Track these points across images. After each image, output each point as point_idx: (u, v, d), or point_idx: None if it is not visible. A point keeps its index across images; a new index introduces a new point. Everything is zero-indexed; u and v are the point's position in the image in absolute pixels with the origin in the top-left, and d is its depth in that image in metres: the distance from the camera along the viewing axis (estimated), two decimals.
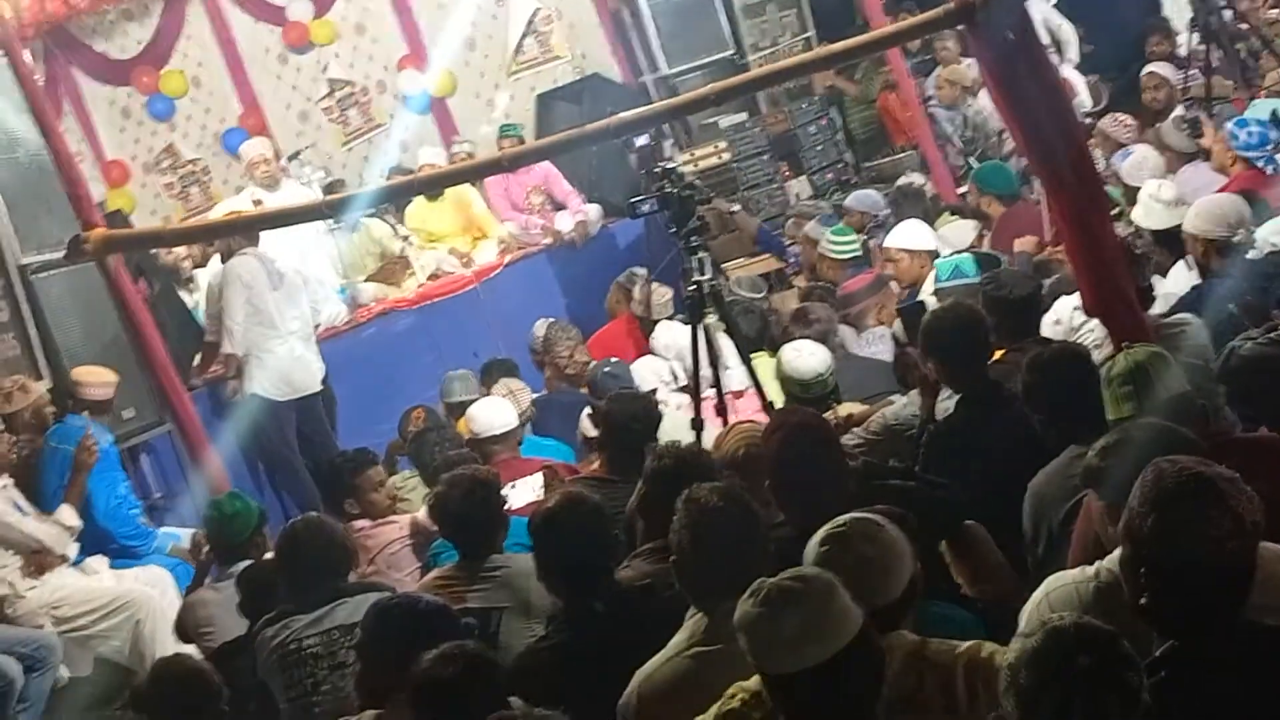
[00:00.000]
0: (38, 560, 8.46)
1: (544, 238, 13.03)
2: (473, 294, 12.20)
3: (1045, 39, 12.53)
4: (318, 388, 10.54)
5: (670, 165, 7.32)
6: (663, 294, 10.79)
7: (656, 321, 10.57)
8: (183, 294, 11.67)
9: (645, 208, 7.31)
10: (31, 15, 13.46)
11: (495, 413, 8.31)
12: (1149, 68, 11.72)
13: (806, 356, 7.43)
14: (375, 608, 5.29)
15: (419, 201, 12.98)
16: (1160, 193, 8.25)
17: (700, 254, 7.30)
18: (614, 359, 9.21)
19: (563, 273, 12.89)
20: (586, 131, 7.86)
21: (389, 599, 5.66)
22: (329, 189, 12.60)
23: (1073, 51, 14.28)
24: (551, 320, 10.64)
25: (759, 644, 3.63)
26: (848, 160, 14.46)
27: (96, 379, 9.41)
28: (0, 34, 9.00)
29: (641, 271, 11.36)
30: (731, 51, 14.54)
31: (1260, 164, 8.79)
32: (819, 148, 14.26)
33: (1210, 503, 3.45)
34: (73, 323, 9.85)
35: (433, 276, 12.47)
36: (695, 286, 7.30)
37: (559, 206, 13.37)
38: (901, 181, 11.59)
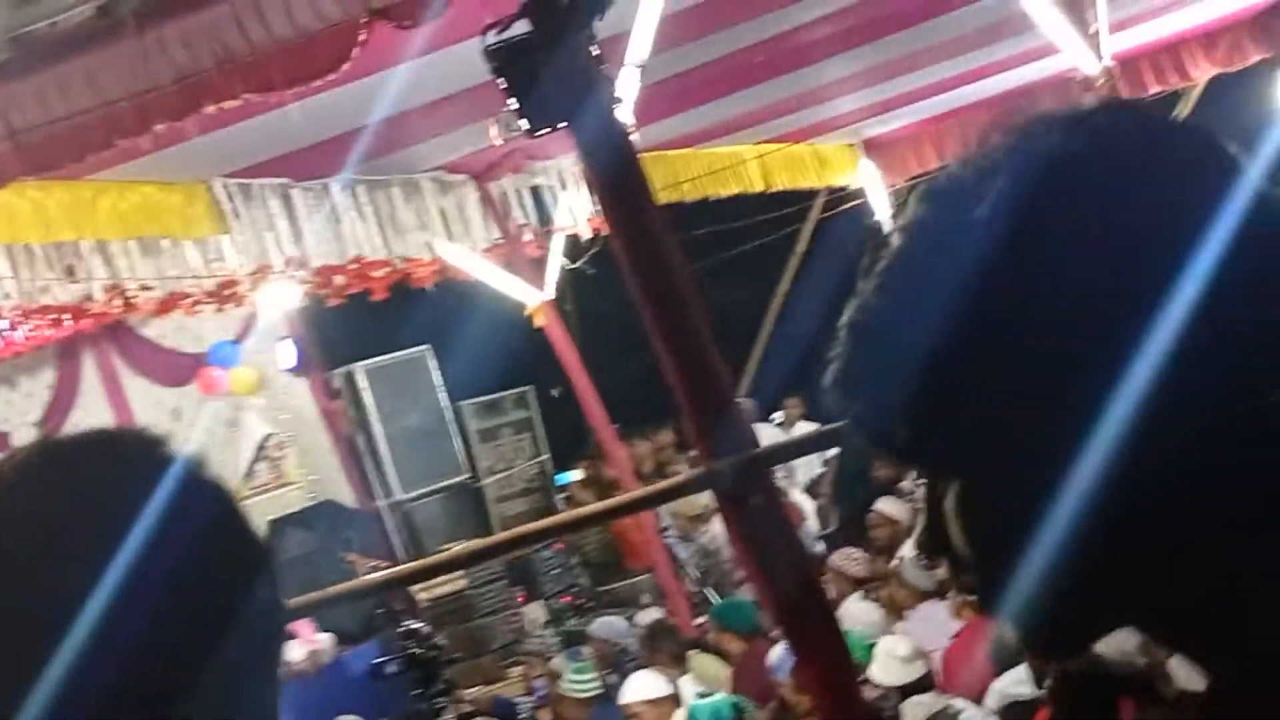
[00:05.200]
0: None
1: None
2: None
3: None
4: None
5: (414, 626, 7.19)
6: None
7: None
8: None
9: (390, 669, 7.15)
10: None
11: None
12: (876, 504, 11.73)
13: None
14: None
15: None
16: (897, 649, 8.29)
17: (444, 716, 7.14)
18: None
19: (293, 702, 12.43)
20: (330, 595, 7.70)
21: None
22: None
23: (801, 474, 14.56)
24: None
25: None
26: (583, 584, 14.40)
27: None
28: None
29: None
30: (467, 475, 14.57)
31: None
32: (555, 572, 14.20)
33: None
34: None
35: None
36: None
37: (289, 636, 13.03)
38: (651, 618, 11.53)
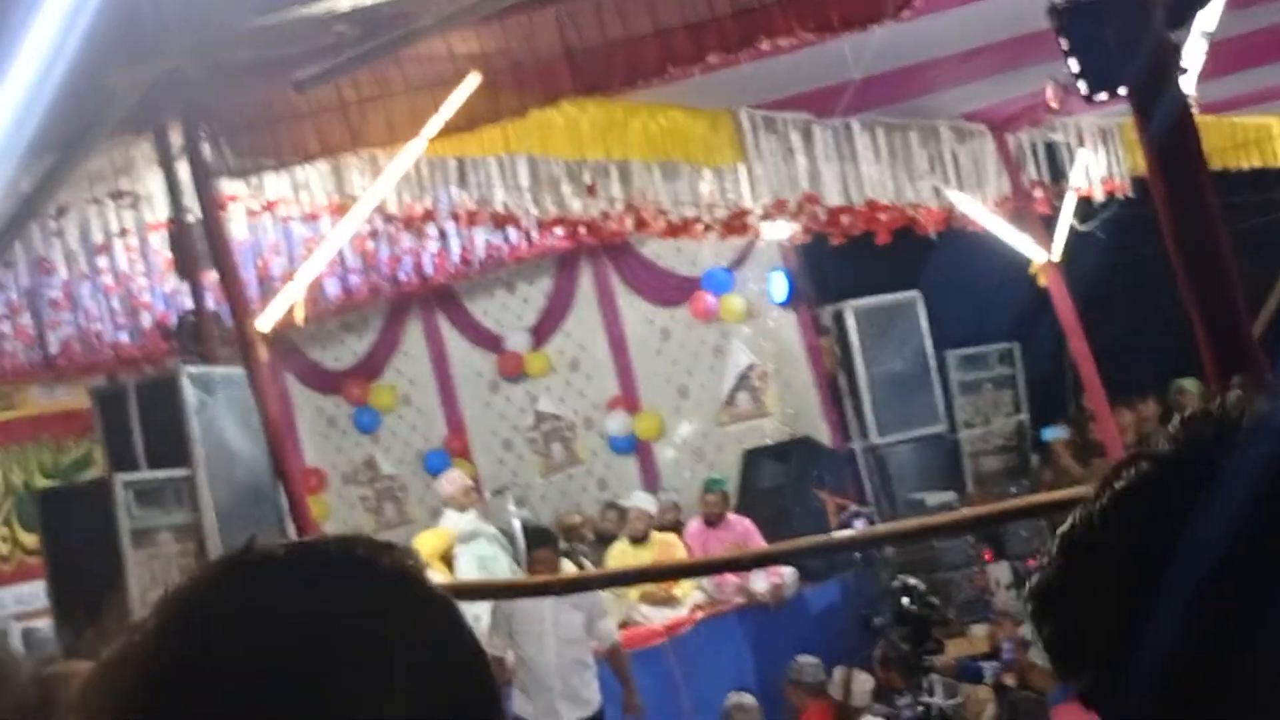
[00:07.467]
0: None
1: (737, 596, 12.80)
2: (660, 651, 11.89)
3: None
4: None
5: (911, 582, 7.12)
6: (863, 682, 10.47)
7: (858, 711, 10.23)
8: None
9: (878, 621, 7.12)
10: None
11: None
12: None
13: None
14: None
15: (623, 547, 12.87)
16: None
17: (931, 676, 7.06)
18: None
19: (754, 634, 12.58)
20: (818, 543, 7.69)
21: None
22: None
23: None
24: (735, 703, 10.41)
25: None
26: (1051, 551, 14.07)
27: None
28: (252, 351, 8.80)
29: (807, 659, 11.05)
30: (944, 425, 14.43)
31: None
32: (1023, 534, 13.94)
33: None
34: None
35: (623, 625, 12.20)
36: (924, 708, 7.05)
37: None
38: None
